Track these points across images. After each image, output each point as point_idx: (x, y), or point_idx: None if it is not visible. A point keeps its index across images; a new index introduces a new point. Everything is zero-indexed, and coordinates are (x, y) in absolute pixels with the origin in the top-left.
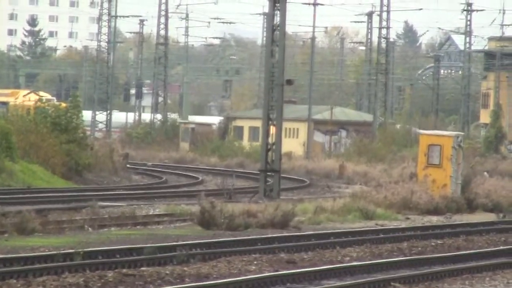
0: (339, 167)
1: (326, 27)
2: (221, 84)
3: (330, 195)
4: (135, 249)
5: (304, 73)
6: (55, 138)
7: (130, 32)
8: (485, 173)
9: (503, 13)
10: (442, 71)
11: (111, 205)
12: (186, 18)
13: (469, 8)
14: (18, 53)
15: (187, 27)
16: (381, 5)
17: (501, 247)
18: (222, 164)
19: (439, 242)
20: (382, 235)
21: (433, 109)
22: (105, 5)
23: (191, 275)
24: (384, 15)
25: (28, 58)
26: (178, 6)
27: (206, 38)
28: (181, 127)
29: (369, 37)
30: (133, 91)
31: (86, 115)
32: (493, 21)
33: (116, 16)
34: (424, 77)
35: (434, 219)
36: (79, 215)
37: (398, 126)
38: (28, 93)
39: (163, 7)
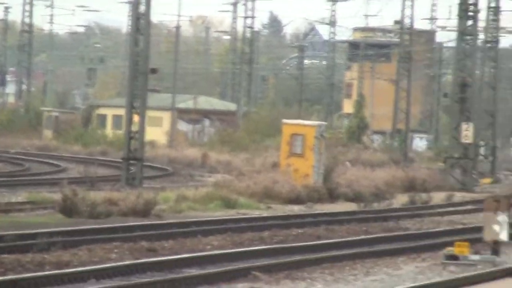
0: (202, 156)
1: (191, 16)
2: (85, 72)
3: (193, 184)
4: None
5: (169, 62)
6: None
7: None
8: (347, 162)
9: (368, 4)
10: (306, 61)
11: None
12: (51, 5)
13: None
14: None
15: (52, 15)
16: None
17: (362, 237)
18: (85, 152)
19: (300, 231)
20: (243, 224)
21: (297, 99)
22: None
23: (51, 263)
24: (250, 4)
25: None
26: None
27: (70, 26)
28: (44, 115)
29: (234, 26)
30: None
31: None
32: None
33: None
34: (288, 67)
35: (296, 208)
36: None
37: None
38: None
39: None
